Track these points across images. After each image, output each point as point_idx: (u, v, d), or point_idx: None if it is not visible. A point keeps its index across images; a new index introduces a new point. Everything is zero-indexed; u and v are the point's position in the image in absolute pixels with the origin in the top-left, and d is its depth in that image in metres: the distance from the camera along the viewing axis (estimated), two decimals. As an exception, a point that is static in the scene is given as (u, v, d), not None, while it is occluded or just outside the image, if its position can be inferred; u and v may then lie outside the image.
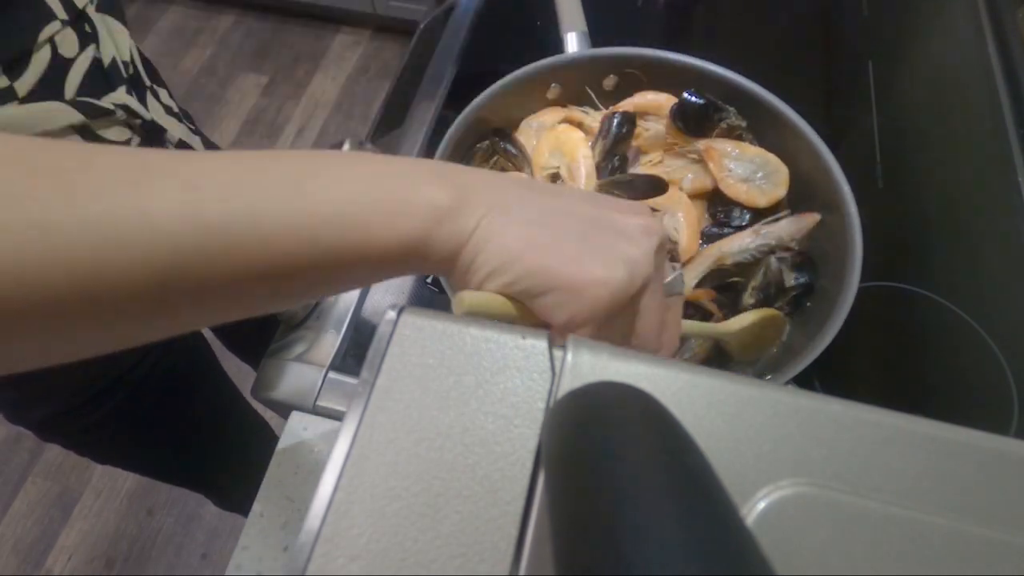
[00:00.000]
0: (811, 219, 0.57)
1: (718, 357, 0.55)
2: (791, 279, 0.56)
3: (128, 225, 0.24)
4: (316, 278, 0.29)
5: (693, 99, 0.60)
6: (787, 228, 0.57)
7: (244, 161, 0.28)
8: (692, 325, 0.52)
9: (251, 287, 0.28)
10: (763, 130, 0.61)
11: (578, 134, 0.62)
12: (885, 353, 0.63)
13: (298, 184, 0.27)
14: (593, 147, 0.61)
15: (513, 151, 0.62)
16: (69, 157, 0.25)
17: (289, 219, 0.26)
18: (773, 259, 0.55)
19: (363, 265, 0.29)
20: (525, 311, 0.31)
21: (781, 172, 0.59)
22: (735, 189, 0.58)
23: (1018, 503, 0.21)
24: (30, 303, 0.23)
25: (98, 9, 0.54)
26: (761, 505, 0.21)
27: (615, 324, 0.32)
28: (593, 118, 0.65)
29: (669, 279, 0.36)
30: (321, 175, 0.28)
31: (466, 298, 0.30)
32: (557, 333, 0.30)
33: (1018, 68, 0.77)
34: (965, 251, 0.67)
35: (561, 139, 0.62)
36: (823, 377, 0.57)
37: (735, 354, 0.54)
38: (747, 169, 0.59)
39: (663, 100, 0.63)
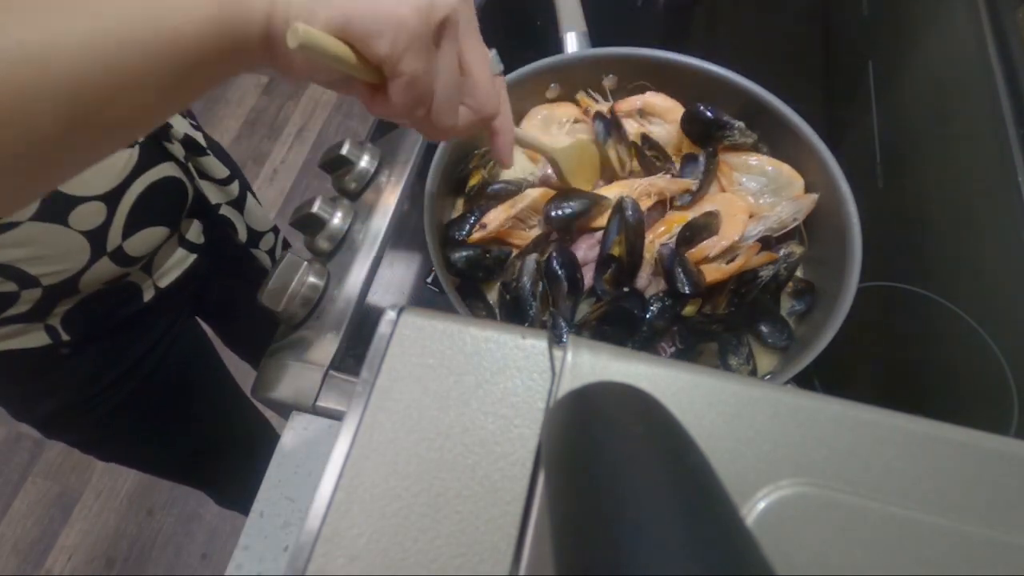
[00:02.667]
0: (809, 200, 0.57)
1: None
2: (787, 306, 0.57)
3: None
4: (161, 76, 0.29)
5: (702, 112, 0.60)
6: (787, 210, 0.57)
7: None
8: (525, 133, 0.57)
9: (90, 112, 0.28)
10: (763, 130, 0.61)
11: (570, 111, 0.66)
12: (885, 353, 0.63)
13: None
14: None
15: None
16: None
17: (82, 40, 0.26)
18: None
19: (190, 55, 0.29)
20: (357, 57, 0.33)
21: (794, 185, 0.60)
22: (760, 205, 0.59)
23: (1018, 503, 0.21)
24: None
25: None
26: (761, 505, 0.21)
27: (443, 57, 0.35)
28: (602, 106, 0.65)
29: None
30: None
31: (300, 30, 0.30)
32: (390, 71, 0.33)
33: (1018, 68, 0.77)
34: (965, 251, 0.67)
35: (556, 112, 0.66)
36: (823, 377, 0.57)
37: (567, 178, 0.58)
38: (759, 183, 0.60)
39: (671, 106, 0.64)
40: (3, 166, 0.27)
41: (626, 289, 0.55)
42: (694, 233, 0.56)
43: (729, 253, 0.57)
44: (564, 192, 0.58)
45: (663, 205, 0.60)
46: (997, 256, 0.67)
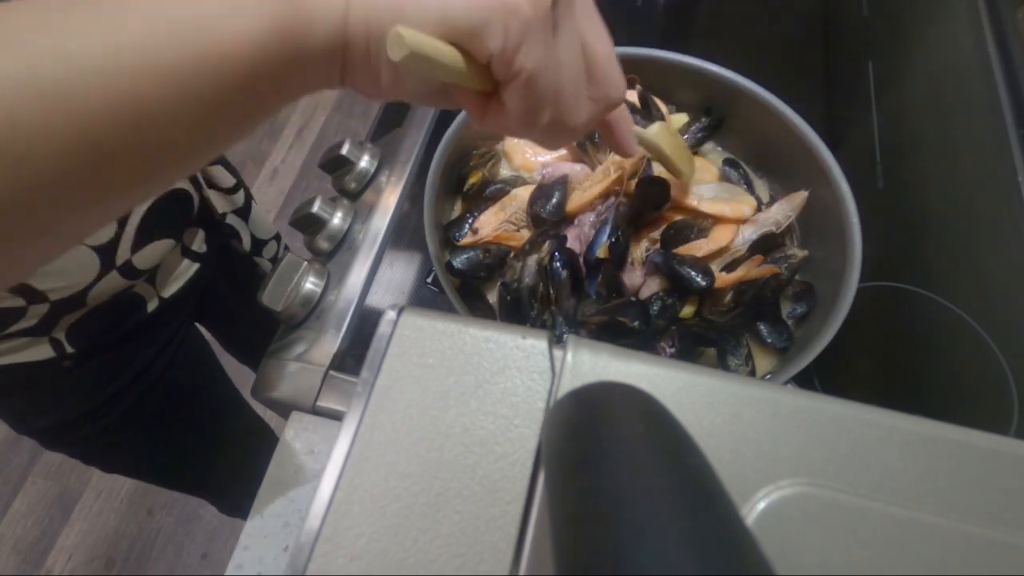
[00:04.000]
0: (799, 197, 0.57)
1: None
2: (787, 309, 0.57)
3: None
4: (208, 93, 0.24)
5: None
6: (781, 210, 0.58)
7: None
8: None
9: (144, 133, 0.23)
10: (763, 130, 0.61)
11: None
12: (885, 353, 0.63)
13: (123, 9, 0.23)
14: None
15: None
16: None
17: (134, 51, 0.22)
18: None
19: (244, 71, 0.24)
20: (465, 57, 0.27)
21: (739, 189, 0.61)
22: (709, 206, 0.59)
23: (1018, 503, 0.21)
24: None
25: None
26: (761, 505, 0.21)
27: (563, 43, 0.29)
28: None
29: None
30: None
31: (405, 35, 0.25)
32: (504, 71, 0.27)
33: (1018, 68, 0.77)
34: (965, 251, 0.67)
35: None
36: (823, 377, 0.57)
37: (674, 160, 0.55)
38: (712, 190, 0.61)
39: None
40: None
41: (632, 299, 0.55)
42: (679, 231, 0.56)
43: (721, 256, 0.57)
44: (540, 187, 0.59)
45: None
46: (997, 256, 0.67)
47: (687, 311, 0.55)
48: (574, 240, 0.57)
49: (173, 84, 0.23)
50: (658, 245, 0.57)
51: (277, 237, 0.82)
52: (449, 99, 0.32)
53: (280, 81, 0.26)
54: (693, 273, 0.53)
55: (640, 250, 0.56)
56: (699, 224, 0.57)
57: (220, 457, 0.88)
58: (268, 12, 0.24)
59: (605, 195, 0.58)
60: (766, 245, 0.57)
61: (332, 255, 0.62)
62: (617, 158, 0.58)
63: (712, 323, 0.55)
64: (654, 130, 0.55)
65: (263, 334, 0.60)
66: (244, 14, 0.24)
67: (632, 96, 0.64)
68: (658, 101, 0.64)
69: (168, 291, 0.66)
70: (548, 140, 0.34)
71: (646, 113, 0.63)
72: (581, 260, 0.56)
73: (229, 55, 0.24)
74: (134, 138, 0.23)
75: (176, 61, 0.23)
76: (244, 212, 0.75)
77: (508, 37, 0.26)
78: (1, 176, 0.20)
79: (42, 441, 0.68)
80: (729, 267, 0.56)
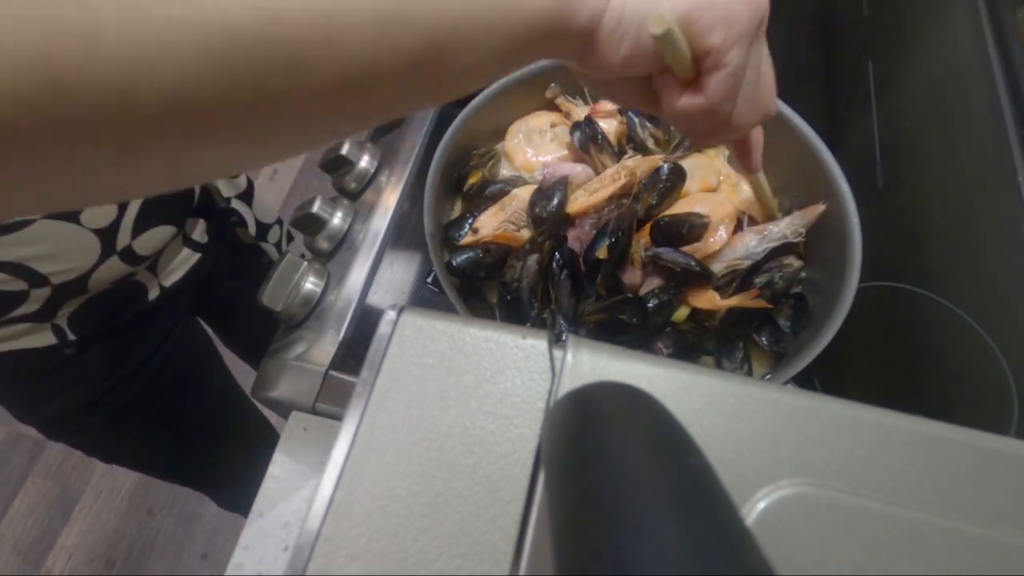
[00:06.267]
0: (814, 212, 0.57)
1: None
2: (786, 327, 0.55)
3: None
4: (471, 55, 0.29)
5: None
6: (791, 224, 0.57)
7: None
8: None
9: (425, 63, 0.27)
10: (763, 130, 0.61)
11: (545, 117, 0.65)
12: (885, 353, 0.63)
13: None
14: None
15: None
16: None
17: None
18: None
19: (513, 35, 0.29)
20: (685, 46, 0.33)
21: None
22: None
23: (1018, 503, 0.21)
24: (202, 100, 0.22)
25: None
26: (761, 505, 0.21)
27: (755, 56, 0.35)
28: (582, 109, 0.65)
29: None
30: None
31: (667, 14, 0.32)
32: (715, 62, 0.33)
33: (1018, 68, 0.77)
34: (965, 251, 0.67)
35: (532, 123, 0.66)
36: (823, 377, 0.57)
37: (771, 205, 0.58)
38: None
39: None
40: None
41: (630, 295, 0.55)
42: (668, 225, 0.56)
43: (716, 257, 0.56)
44: (541, 187, 0.59)
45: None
46: (997, 256, 0.67)
47: (681, 314, 0.55)
48: (574, 240, 0.57)
49: (468, 35, 0.28)
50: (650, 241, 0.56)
51: (280, 222, 0.83)
52: (644, 95, 0.38)
53: (536, 51, 0.32)
54: (676, 257, 0.54)
55: (639, 250, 0.56)
56: (691, 220, 0.57)
57: (220, 452, 0.88)
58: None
59: (612, 200, 0.58)
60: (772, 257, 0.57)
61: (332, 255, 0.62)
62: (628, 163, 0.58)
63: (707, 329, 0.55)
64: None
65: (264, 331, 0.60)
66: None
67: None
68: (617, 124, 0.64)
69: (169, 280, 0.66)
70: (710, 135, 0.39)
71: (654, 118, 0.63)
72: (581, 260, 0.56)
73: (521, 22, 0.29)
74: (416, 75, 0.27)
75: (481, 17, 0.28)
76: (247, 196, 0.75)
77: (726, 39, 0.33)
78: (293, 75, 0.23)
79: (44, 430, 0.69)
80: (727, 281, 0.56)
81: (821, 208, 0.56)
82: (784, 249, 0.56)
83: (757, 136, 0.47)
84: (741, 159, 0.48)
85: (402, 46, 0.26)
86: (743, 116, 0.37)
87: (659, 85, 0.37)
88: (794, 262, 0.56)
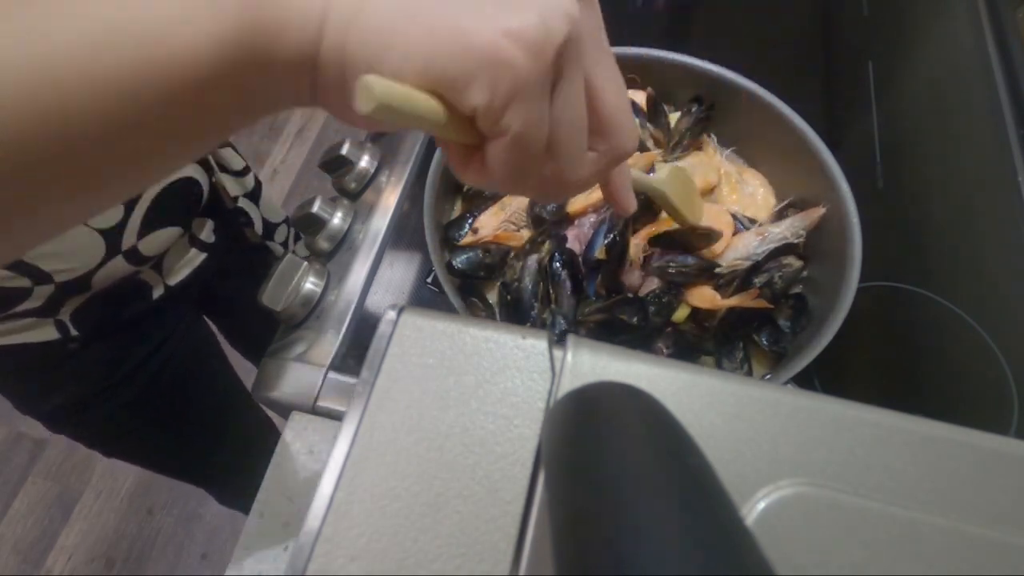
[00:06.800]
0: (816, 213, 0.56)
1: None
2: (786, 327, 0.55)
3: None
4: (153, 111, 0.22)
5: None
6: (792, 226, 0.57)
7: None
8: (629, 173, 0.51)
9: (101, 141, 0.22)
10: (763, 130, 0.61)
11: None
12: (885, 353, 0.63)
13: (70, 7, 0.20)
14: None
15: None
16: None
17: (76, 47, 0.20)
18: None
19: (190, 87, 0.22)
20: (446, 107, 0.24)
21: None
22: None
23: (1018, 503, 0.21)
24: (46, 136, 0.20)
25: None
26: (761, 505, 0.21)
27: (563, 96, 0.25)
28: None
29: None
30: None
31: (374, 84, 0.22)
32: (488, 128, 0.24)
33: (1018, 68, 0.77)
34: (965, 251, 0.67)
35: None
36: (823, 377, 0.57)
37: (680, 209, 0.53)
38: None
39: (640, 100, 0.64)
40: None
41: (630, 295, 0.55)
42: (670, 236, 0.56)
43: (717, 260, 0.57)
44: None
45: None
46: (997, 256, 0.67)
47: (681, 314, 0.55)
48: (574, 240, 0.57)
49: (111, 95, 0.21)
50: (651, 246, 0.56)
51: (287, 220, 0.83)
52: (435, 137, 0.28)
53: (239, 93, 0.24)
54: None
55: (639, 250, 0.56)
56: (699, 240, 0.57)
57: (222, 449, 0.88)
58: (226, 17, 0.22)
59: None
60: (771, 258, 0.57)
61: (332, 255, 0.62)
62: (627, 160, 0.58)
63: (707, 329, 0.55)
64: (662, 176, 0.52)
65: (268, 330, 0.60)
66: (197, 21, 0.21)
67: (639, 97, 0.64)
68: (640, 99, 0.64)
69: (174, 279, 0.66)
70: (541, 198, 0.31)
71: (655, 118, 0.63)
72: (580, 260, 0.56)
73: (177, 65, 0.21)
74: (63, 150, 0.21)
75: (114, 71, 0.20)
76: (255, 195, 0.75)
77: (496, 93, 0.23)
78: None
79: (46, 423, 0.69)
80: (727, 281, 0.56)
81: (821, 211, 0.56)
82: (784, 249, 0.57)
83: (617, 177, 0.35)
84: (605, 196, 0.37)
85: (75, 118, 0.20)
86: (573, 173, 0.27)
87: (441, 148, 0.28)
88: (794, 262, 0.56)
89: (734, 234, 0.57)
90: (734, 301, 0.53)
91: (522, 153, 0.25)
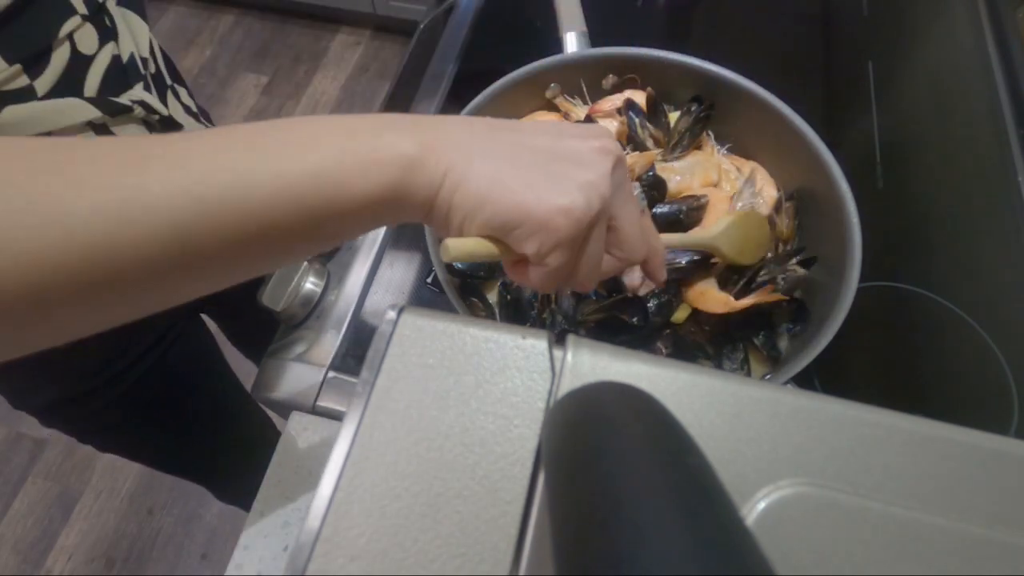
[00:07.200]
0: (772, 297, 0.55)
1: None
2: (784, 329, 0.55)
3: (131, 207, 0.27)
4: (305, 235, 0.31)
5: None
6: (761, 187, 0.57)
7: (225, 136, 0.30)
8: (673, 237, 0.53)
9: (247, 250, 0.30)
10: (763, 130, 0.61)
11: (545, 118, 0.65)
12: (885, 353, 0.63)
13: (276, 151, 0.30)
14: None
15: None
16: (66, 150, 0.27)
17: (272, 185, 0.29)
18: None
19: (347, 217, 0.31)
20: (504, 247, 0.34)
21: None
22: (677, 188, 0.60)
23: (1018, 503, 0.21)
24: (56, 285, 0.26)
25: (119, 3, 0.54)
26: (761, 505, 0.21)
27: (592, 242, 0.35)
28: (582, 109, 0.65)
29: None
30: (295, 139, 0.31)
31: (451, 246, 0.33)
32: (535, 262, 0.34)
33: (1018, 68, 0.77)
34: (965, 251, 0.67)
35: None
36: (823, 377, 0.57)
37: (733, 257, 0.54)
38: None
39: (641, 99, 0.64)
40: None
41: (630, 295, 0.54)
42: (668, 216, 0.56)
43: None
44: None
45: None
46: (997, 256, 0.67)
47: (681, 314, 0.55)
48: None
49: (301, 227, 0.30)
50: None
51: None
52: None
53: (376, 221, 0.34)
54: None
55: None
56: (689, 204, 0.57)
57: (220, 448, 0.88)
58: (387, 178, 0.31)
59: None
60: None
61: (332, 255, 0.62)
62: (627, 160, 0.58)
63: (707, 331, 0.55)
64: (718, 230, 0.53)
65: (269, 330, 0.60)
66: (370, 176, 0.31)
67: (639, 97, 0.64)
68: (617, 124, 0.64)
69: None
70: (570, 289, 0.40)
71: (654, 117, 0.62)
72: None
73: (345, 208, 0.31)
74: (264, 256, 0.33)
75: (312, 207, 0.30)
76: None
77: (543, 246, 0.33)
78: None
79: (38, 417, 0.69)
80: (733, 282, 0.55)
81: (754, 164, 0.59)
82: (794, 252, 0.57)
83: (654, 258, 0.42)
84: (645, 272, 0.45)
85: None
86: (585, 284, 0.37)
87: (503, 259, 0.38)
88: (798, 269, 0.56)
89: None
90: (750, 300, 0.52)
91: (555, 276, 0.35)
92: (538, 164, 0.33)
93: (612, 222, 0.36)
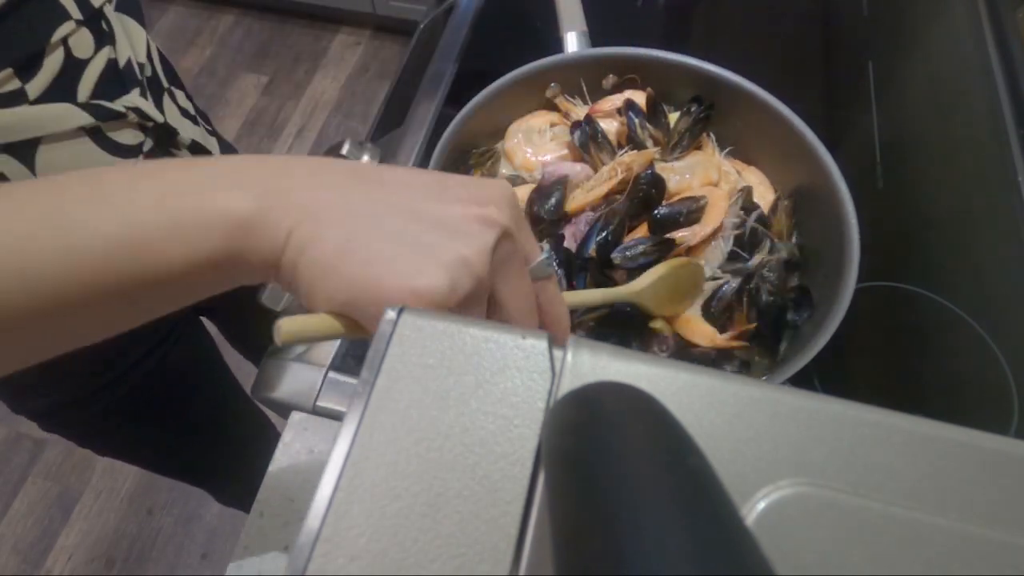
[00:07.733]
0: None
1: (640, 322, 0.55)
2: (792, 316, 0.54)
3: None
4: (142, 299, 0.30)
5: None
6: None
7: (60, 187, 0.28)
8: (593, 294, 0.51)
9: (73, 313, 0.29)
10: (763, 131, 0.61)
11: (545, 117, 0.65)
12: (885, 353, 0.63)
13: (98, 208, 0.27)
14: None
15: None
16: None
17: (80, 252, 0.27)
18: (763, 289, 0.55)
19: (179, 283, 0.29)
20: (353, 325, 0.29)
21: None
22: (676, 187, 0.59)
23: (1018, 503, 0.21)
24: None
25: (116, 8, 0.54)
26: (761, 505, 0.21)
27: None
28: (582, 109, 0.65)
29: (535, 263, 0.33)
30: (110, 199, 0.28)
31: (284, 327, 0.29)
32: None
33: (1018, 68, 0.77)
34: (965, 251, 0.67)
35: (531, 123, 0.65)
36: (823, 377, 0.57)
37: (655, 311, 0.53)
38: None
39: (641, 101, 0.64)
40: None
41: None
42: (666, 217, 0.56)
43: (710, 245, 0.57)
44: (540, 187, 0.58)
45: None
46: (997, 256, 0.67)
47: (658, 324, 0.55)
48: (571, 238, 0.57)
49: (107, 292, 0.28)
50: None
51: None
52: None
53: (212, 286, 0.31)
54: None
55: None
56: (688, 206, 0.57)
57: (219, 450, 0.88)
58: (212, 243, 0.28)
59: (608, 197, 0.58)
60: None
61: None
62: (624, 159, 0.58)
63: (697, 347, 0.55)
64: (639, 287, 0.51)
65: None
66: (191, 241, 0.28)
67: (639, 97, 0.64)
68: (617, 124, 0.63)
69: None
70: None
71: (654, 118, 0.62)
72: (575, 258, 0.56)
73: (164, 275, 0.28)
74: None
75: (132, 274, 0.28)
76: None
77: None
78: None
79: (38, 421, 0.69)
80: (719, 310, 0.55)
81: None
82: (789, 267, 0.57)
83: (551, 307, 0.36)
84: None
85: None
86: None
87: None
88: (783, 246, 0.56)
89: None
90: (723, 342, 0.53)
91: None
92: (404, 231, 0.28)
93: (496, 298, 0.31)
